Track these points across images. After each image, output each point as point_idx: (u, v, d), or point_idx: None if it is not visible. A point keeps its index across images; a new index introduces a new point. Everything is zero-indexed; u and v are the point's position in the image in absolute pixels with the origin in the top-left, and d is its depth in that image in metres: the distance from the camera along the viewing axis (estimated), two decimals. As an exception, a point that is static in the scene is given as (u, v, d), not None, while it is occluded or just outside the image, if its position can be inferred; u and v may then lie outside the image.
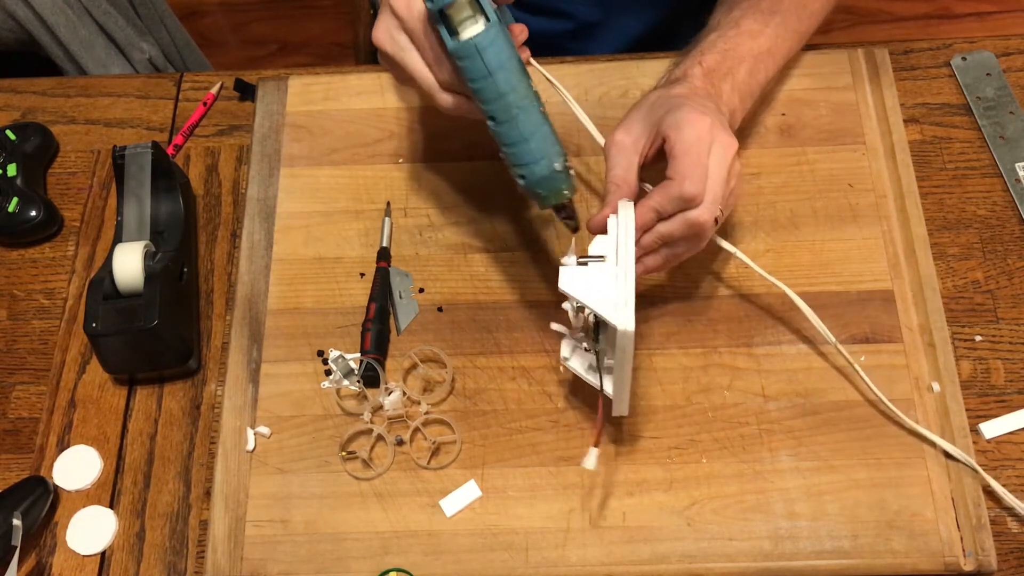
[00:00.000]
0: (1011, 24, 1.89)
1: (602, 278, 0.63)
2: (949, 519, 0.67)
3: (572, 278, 0.63)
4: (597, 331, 0.66)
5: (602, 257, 0.64)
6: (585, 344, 0.67)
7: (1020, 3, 1.89)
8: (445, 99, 0.66)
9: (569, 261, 0.64)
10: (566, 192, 0.66)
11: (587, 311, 0.64)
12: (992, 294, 0.76)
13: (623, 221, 0.64)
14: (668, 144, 0.66)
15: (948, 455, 0.69)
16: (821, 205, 0.79)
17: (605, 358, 0.65)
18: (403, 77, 0.67)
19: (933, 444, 0.69)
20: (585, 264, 0.64)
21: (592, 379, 0.67)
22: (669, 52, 0.86)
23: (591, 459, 0.62)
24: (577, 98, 0.77)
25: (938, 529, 0.67)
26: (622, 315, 0.60)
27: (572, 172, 0.66)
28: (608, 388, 0.65)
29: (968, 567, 0.65)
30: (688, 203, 0.65)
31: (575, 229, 0.66)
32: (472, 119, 0.66)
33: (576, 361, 0.68)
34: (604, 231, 0.65)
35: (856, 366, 0.70)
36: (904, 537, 0.66)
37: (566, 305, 0.66)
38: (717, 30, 0.76)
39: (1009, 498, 0.68)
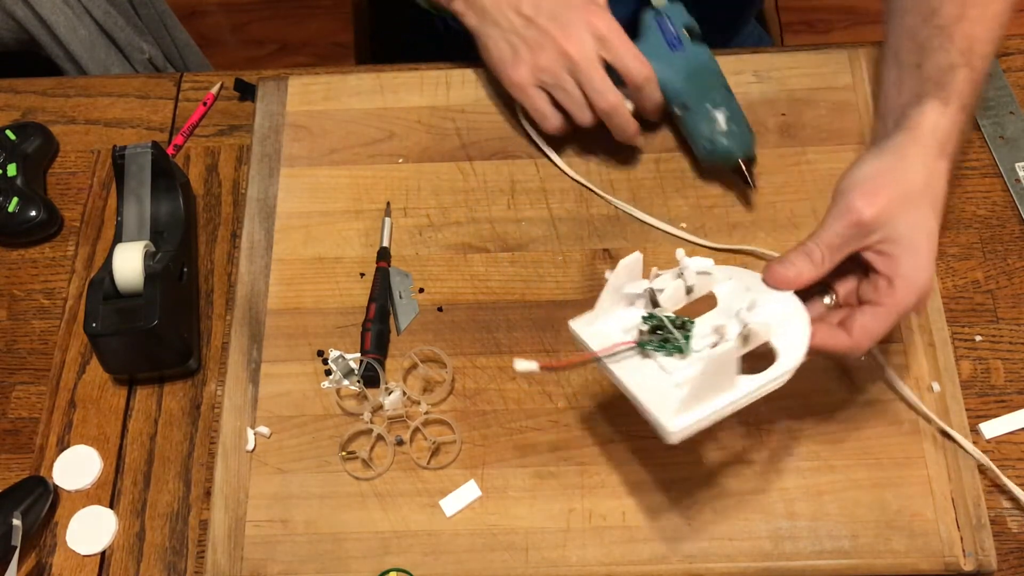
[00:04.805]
0: (1011, 24, 1.88)
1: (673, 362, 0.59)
2: (949, 519, 0.67)
3: (622, 361, 0.59)
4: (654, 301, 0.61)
5: (684, 321, 0.59)
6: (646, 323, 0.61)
7: (1020, 3, 1.89)
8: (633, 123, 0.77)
9: (634, 288, 0.61)
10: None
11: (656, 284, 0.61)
12: (992, 294, 0.76)
13: (777, 314, 0.59)
14: (890, 267, 0.61)
15: (948, 452, 0.69)
16: (821, 205, 0.78)
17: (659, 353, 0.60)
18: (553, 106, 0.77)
19: (934, 441, 0.69)
20: (657, 327, 0.59)
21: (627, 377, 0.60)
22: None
23: (523, 364, 0.59)
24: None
25: (938, 529, 0.67)
26: (670, 420, 0.55)
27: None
28: (653, 400, 0.57)
29: (968, 567, 0.65)
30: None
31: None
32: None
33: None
34: (783, 286, 0.61)
35: (880, 359, 0.70)
36: (904, 537, 0.66)
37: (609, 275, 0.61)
38: (965, 66, 0.66)
39: (1017, 492, 0.68)
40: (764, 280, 0.62)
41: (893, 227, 0.60)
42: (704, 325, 0.61)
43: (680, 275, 0.62)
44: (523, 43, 0.76)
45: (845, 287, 0.64)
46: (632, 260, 0.60)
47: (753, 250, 0.77)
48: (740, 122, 0.77)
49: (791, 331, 0.60)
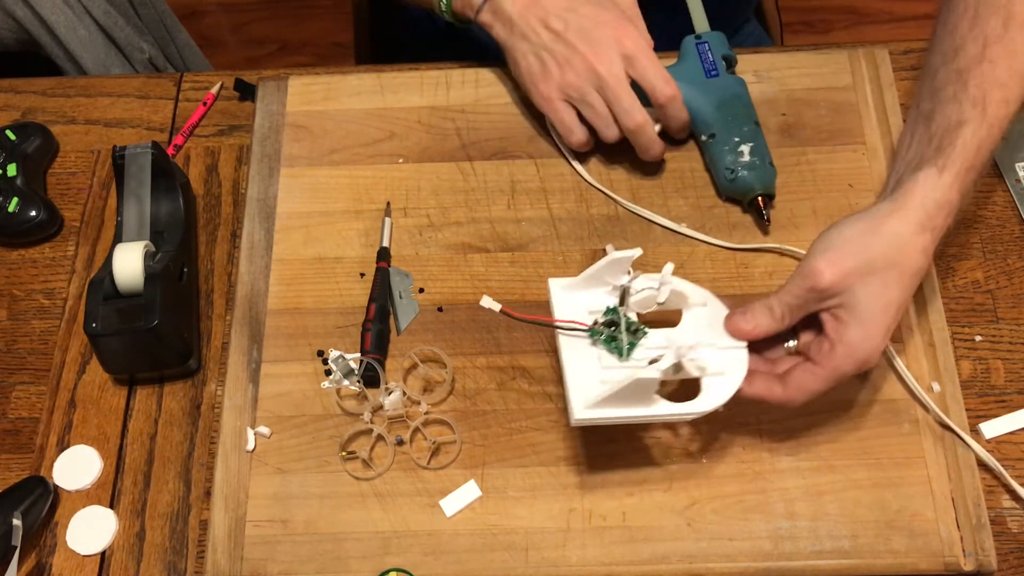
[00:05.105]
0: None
1: (613, 358, 0.64)
2: (949, 519, 0.67)
3: (572, 341, 0.64)
4: (623, 298, 0.65)
5: (637, 328, 0.64)
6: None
7: None
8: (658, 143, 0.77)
9: (613, 280, 0.66)
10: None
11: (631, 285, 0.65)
12: (992, 294, 0.76)
13: (719, 360, 0.64)
14: (837, 332, 0.63)
15: (948, 452, 0.69)
16: (821, 205, 0.79)
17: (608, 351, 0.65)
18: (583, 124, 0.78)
19: (935, 441, 0.69)
20: (613, 325, 0.64)
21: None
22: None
23: (489, 301, 0.64)
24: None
25: (938, 529, 0.67)
26: (579, 408, 0.61)
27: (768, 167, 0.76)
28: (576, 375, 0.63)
29: (968, 567, 0.65)
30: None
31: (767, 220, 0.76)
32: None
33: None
34: (740, 337, 0.65)
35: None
36: (904, 537, 0.66)
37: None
38: (975, 119, 0.64)
39: (1020, 491, 0.68)
40: (724, 326, 0.65)
41: (851, 295, 0.62)
42: (655, 338, 0.65)
43: (658, 287, 0.65)
44: (552, 58, 0.76)
45: (806, 336, 0.66)
46: (624, 255, 0.64)
47: (778, 247, 0.77)
48: (764, 157, 0.77)
49: (721, 382, 0.63)
